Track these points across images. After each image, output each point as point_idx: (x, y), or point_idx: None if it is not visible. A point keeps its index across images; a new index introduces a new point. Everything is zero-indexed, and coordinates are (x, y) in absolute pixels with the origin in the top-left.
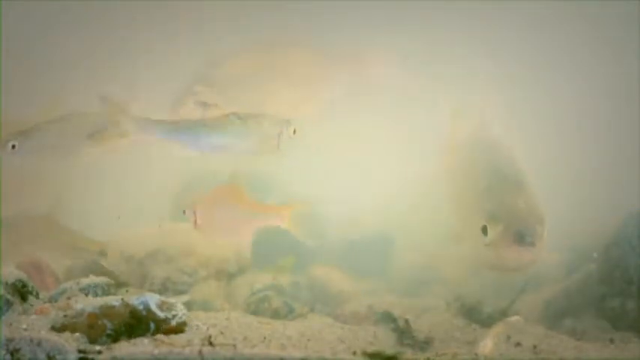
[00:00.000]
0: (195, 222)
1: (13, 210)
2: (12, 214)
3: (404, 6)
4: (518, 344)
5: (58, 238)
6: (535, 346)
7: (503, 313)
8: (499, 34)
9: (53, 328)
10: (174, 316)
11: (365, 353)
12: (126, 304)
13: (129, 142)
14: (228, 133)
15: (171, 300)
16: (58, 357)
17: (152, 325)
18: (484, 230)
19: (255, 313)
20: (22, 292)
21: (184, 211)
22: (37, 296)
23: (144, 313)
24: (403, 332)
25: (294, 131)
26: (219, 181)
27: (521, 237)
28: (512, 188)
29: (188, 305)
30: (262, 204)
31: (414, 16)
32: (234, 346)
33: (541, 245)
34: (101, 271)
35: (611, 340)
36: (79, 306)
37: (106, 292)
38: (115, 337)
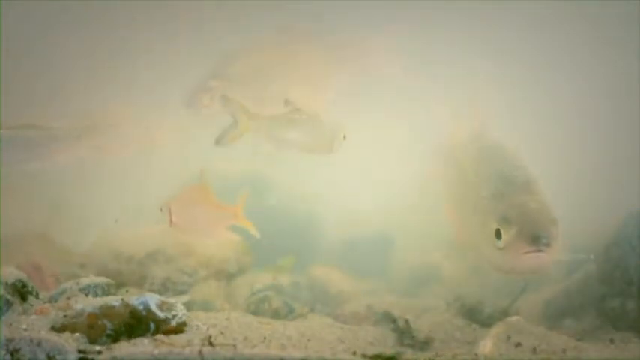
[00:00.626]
0: (171, 220)
1: (12, 223)
2: (10, 230)
3: (404, 6)
4: (518, 344)
5: (50, 254)
6: (535, 347)
7: (504, 313)
8: (499, 34)
9: (53, 328)
10: (174, 316)
11: (365, 355)
12: (126, 304)
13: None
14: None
15: (171, 300)
16: (58, 357)
17: (152, 325)
18: (497, 234)
19: (255, 313)
20: (22, 292)
21: (161, 209)
22: (37, 296)
23: (144, 313)
24: (403, 332)
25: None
26: (220, 181)
27: (537, 239)
28: (521, 189)
29: (188, 305)
30: (222, 204)
31: (414, 16)
32: (234, 346)
33: (556, 246)
34: None
35: (611, 340)
36: (79, 306)
37: (106, 292)
38: (115, 337)
